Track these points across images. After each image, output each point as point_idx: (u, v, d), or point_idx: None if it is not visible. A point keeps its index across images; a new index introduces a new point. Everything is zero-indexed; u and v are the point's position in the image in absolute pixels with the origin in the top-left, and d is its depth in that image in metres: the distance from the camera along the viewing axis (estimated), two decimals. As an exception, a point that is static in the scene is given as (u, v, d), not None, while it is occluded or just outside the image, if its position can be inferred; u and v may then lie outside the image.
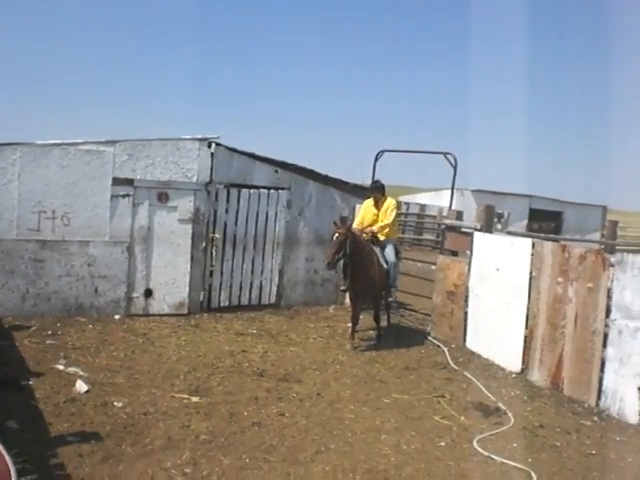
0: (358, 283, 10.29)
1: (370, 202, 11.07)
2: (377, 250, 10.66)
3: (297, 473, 5.84)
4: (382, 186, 11.01)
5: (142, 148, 10.98)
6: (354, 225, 11.01)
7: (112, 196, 10.79)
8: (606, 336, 8.22)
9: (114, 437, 6.24)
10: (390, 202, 10.97)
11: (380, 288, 10.72)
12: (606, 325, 8.22)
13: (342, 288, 10.89)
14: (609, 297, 8.22)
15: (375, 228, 10.77)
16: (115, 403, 7.11)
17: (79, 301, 10.72)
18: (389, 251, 10.80)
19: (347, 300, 13.31)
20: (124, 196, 10.88)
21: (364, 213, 11.09)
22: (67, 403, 6.99)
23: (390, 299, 11.62)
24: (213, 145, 11.70)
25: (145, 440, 6.26)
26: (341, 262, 10.08)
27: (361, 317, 10.94)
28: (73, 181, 10.49)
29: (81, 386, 7.44)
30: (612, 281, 8.20)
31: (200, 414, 7.04)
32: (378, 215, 10.91)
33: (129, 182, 10.91)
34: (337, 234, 9.87)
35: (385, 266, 10.60)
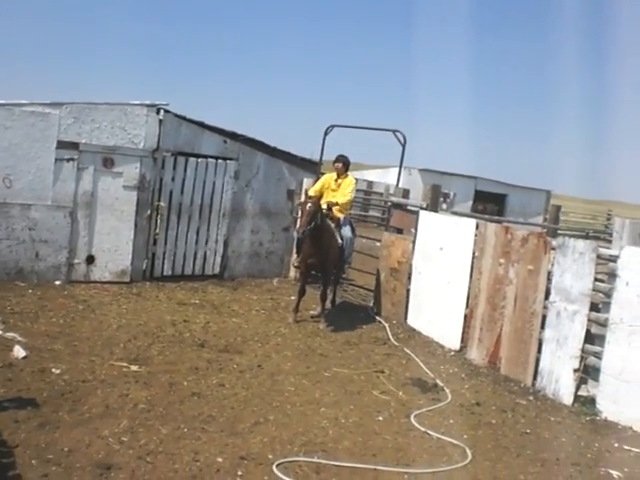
0: (315, 256, 10.21)
1: (332, 177, 10.92)
2: (332, 225, 10.58)
3: (235, 444, 5.85)
4: (348, 161, 10.93)
5: (89, 112, 10.73)
6: (310, 192, 10.78)
7: (56, 159, 10.51)
8: (544, 318, 8.39)
9: (51, 404, 6.16)
10: (351, 180, 10.89)
11: (333, 263, 10.64)
12: (545, 307, 8.40)
13: (295, 264, 10.82)
14: (549, 280, 8.38)
15: (337, 206, 10.55)
16: (53, 370, 7.01)
17: (19, 265, 10.47)
18: (346, 229, 10.76)
19: (292, 273, 13.34)
20: (68, 160, 10.62)
21: (323, 185, 10.89)
22: (4, 368, 6.87)
23: (343, 275, 11.41)
24: (162, 112, 11.48)
25: (82, 408, 6.19)
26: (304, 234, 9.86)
27: (307, 292, 10.93)
28: (17, 142, 10.18)
29: (19, 351, 7.31)
30: (553, 264, 8.37)
31: (139, 383, 6.99)
32: (336, 192, 10.79)
33: (74, 146, 10.64)
34: (310, 204, 9.76)
35: (340, 241, 10.55)
